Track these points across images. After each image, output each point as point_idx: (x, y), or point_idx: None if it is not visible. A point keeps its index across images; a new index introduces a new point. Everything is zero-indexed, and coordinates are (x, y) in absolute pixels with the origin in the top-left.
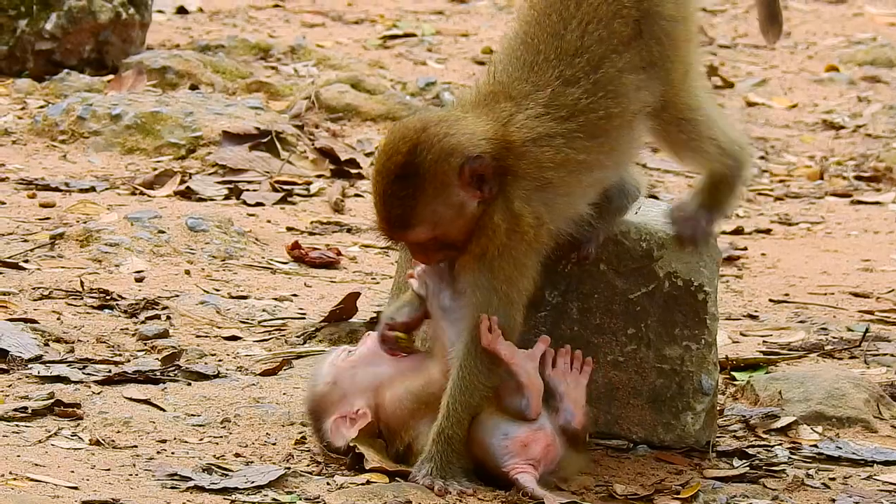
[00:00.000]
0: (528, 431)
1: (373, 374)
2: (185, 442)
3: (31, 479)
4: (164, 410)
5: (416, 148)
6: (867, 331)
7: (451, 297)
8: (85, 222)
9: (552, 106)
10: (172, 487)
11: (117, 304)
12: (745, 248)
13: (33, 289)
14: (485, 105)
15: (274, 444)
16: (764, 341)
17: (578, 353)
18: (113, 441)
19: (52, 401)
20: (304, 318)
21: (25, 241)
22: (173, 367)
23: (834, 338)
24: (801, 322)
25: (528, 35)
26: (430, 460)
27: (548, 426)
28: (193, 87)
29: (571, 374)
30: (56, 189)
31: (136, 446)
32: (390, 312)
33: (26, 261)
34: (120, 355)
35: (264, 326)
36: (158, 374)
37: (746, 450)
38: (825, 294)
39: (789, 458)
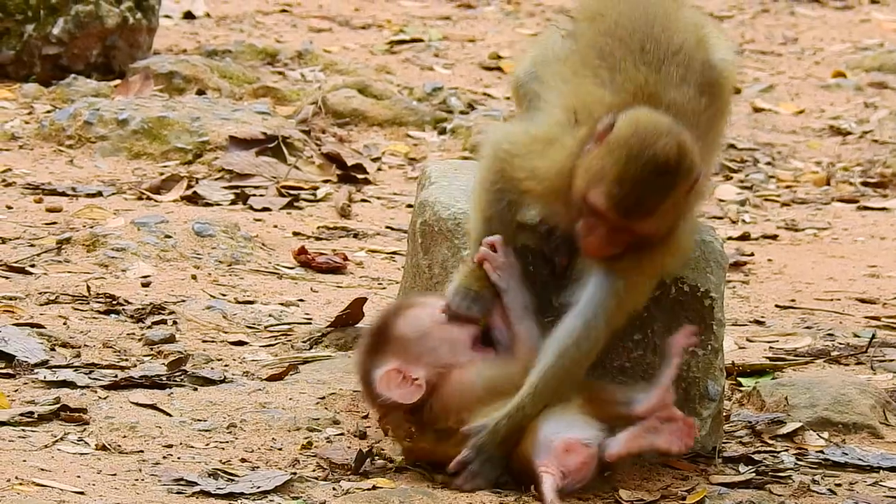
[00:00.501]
0: (577, 441)
1: (451, 351)
2: (191, 447)
3: (37, 484)
4: (170, 415)
5: (681, 149)
6: (873, 337)
7: (531, 299)
8: (91, 227)
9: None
10: (178, 492)
11: (124, 309)
12: (752, 254)
13: (40, 293)
14: None
15: (280, 449)
16: (770, 347)
17: (691, 421)
18: (119, 446)
19: (58, 406)
20: (310, 324)
21: (32, 245)
22: (179, 372)
23: (840, 344)
24: (807, 328)
25: None
26: (494, 433)
27: (595, 446)
28: (200, 92)
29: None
30: (63, 194)
31: (142, 451)
32: (459, 302)
33: (33, 265)
34: (126, 360)
35: (270, 331)
36: (164, 378)
37: (752, 456)
38: (831, 300)
39: (795, 464)
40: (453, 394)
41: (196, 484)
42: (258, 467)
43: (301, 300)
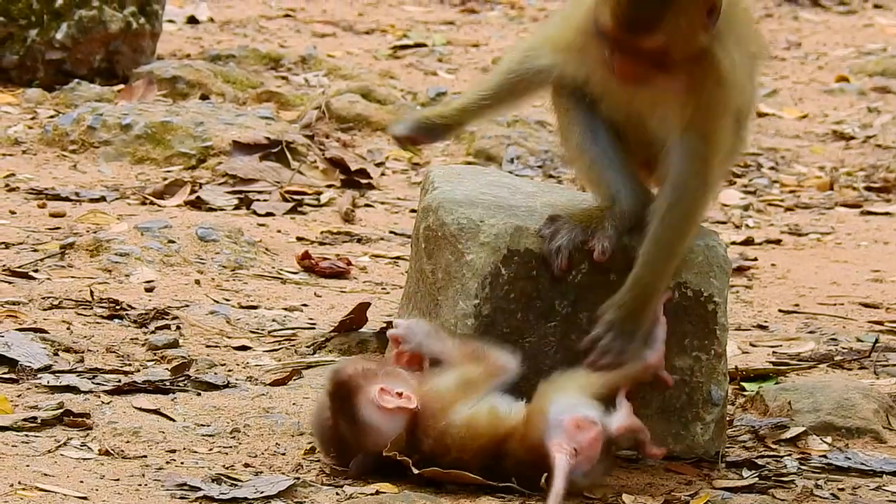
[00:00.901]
0: (585, 419)
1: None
2: (195, 452)
3: (40, 490)
4: (173, 420)
5: None
6: (877, 341)
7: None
8: (95, 232)
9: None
10: (182, 497)
11: (127, 314)
12: (756, 259)
13: (43, 298)
14: None
15: (283, 454)
16: (773, 352)
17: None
18: (122, 451)
19: (61, 411)
20: (313, 329)
21: (35, 250)
22: (183, 377)
23: (843, 348)
24: (810, 333)
25: None
26: (621, 307)
27: (600, 425)
28: (204, 97)
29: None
30: (66, 199)
31: (145, 456)
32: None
33: (36, 270)
34: (129, 365)
35: (274, 336)
36: (168, 383)
37: (756, 460)
38: (835, 305)
39: (798, 468)
40: (434, 400)
41: (199, 489)
42: (261, 472)
43: (305, 305)
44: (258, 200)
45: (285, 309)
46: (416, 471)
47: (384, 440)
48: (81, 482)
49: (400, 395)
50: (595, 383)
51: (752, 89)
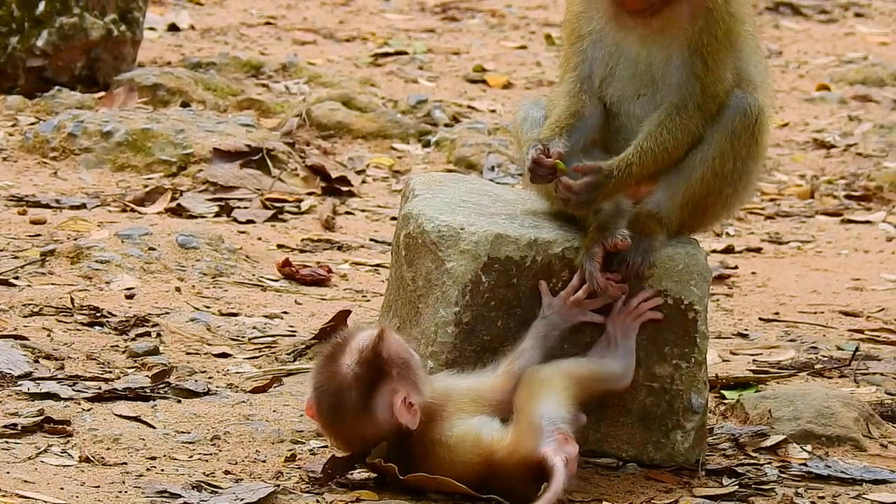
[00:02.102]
0: (570, 435)
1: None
2: (175, 459)
3: (21, 496)
4: (153, 427)
5: None
6: (857, 350)
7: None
8: (75, 239)
9: None
10: None
11: (107, 321)
12: (736, 267)
13: (23, 305)
14: None
15: (264, 461)
16: (754, 360)
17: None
18: (103, 458)
19: (41, 417)
20: (294, 336)
21: (16, 257)
22: (163, 385)
23: (824, 356)
24: (790, 341)
25: None
26: (609, 176)
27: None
28: (184, 105)
29: None
30: (47, 206)
31: (125, 463)
32: (543, 139)
33: (17, 277)
34: (110, 372)
35: (254, 344)
36: (148, 391)
37: (736, 468)
38: (815, 313)
39: (778, 476)
40: (437, 405)
41: (179, 496)
42: (242, 479)
43: (285, 312)
44: (239, 208)
45: (266, 316)
46: (401, 477)
47: (376, 431)
48: (62, 489)
49: (411, 406)
50: (572, 386)
51: (752, 25)
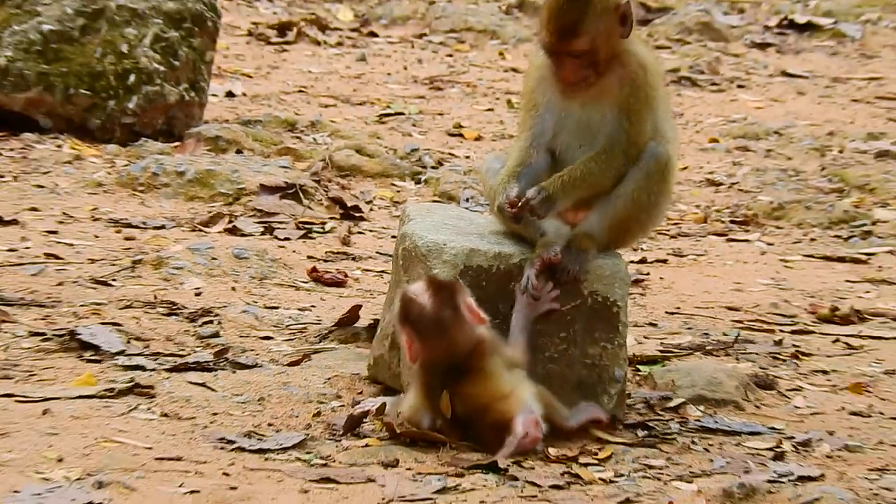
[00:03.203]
0: (539, 424)
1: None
2: (231, 415)
3: (117, 442)
4: (215, 391)
5: None
6: (738, 335)
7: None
8: (157, 251)
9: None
10: (221, 448)
11: (181, 312)
12: (648, 274)
13: (119, 300)
14: None
15: (297, 416)
16: (661, 343)
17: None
18: (177, 414)
19: (132, 384)
20: (319, 323)
21: (113, 265)
22: (222, 360)
23: (713, 340)
24: (688, 328)
25: None
26: (546, 188)
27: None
28: (238, 152)
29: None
30: (136, 226)
31: (194, 418)
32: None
33: (114, 280)
34: (183, 350)
35: (290, 329)
36: (211, 364)
37: (647, 423)
38: (707, 308)
39: (679, 429)
40: (490, 341)
41: (234, 442)
42: (281, 430)
43: (313, 306)
44: (279, 229)
45: (298, 309)
46: (397, 431)
47: (464, 337)
48: (147, 436)
49: (477, 312)
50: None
51: (664, 93)
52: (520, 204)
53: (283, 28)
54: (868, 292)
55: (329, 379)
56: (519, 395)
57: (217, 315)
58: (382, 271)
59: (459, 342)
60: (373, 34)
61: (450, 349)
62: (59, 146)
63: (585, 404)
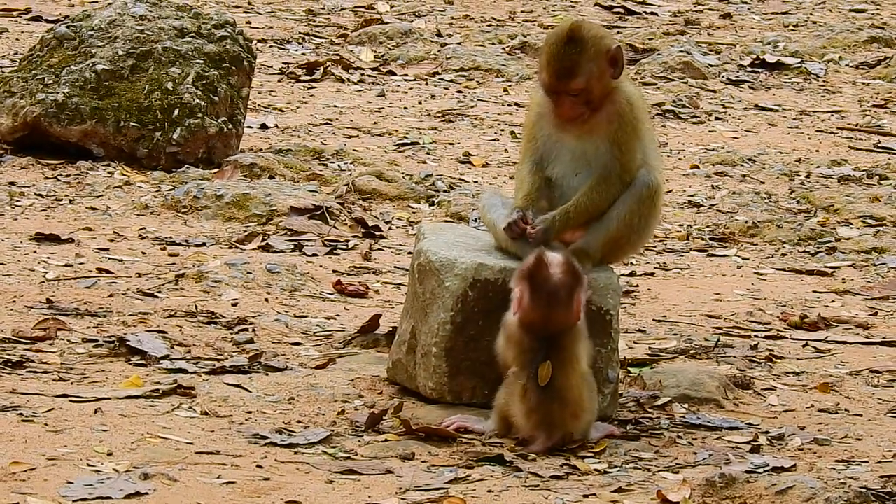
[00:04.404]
0: None
1: None
2: (264, 413)
3: (161, 437)
4: (250, 392)
5: (582, 27)
6: (718, 341)
7: None
8: (198, 266)
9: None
10: (255, 443)
11: (219, 321)
12: (637, 285)
13: (163, 310)
14: None
15: (323, 414)
16: (650, 347)
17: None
18: (216, 412)
19: (175, 385)
20: (343, 331)
21: (158, 278)
22: (256, 363)
23: (696, 345)
24: (674, 335)
25: None
26: (555, 220)
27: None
28: (271, 177)
29: None
30: (179, 244)
31: (231, 416)
32: (523, 208)
33: (159, 292)
34: (221, 355)
35: (317, 336)
36: (246, 367)
37: (638, 419)
38: (690, 316)
39: (666, 425)
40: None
41: (267, 437)
42: (308, 427)
43: (338, 315)
44: (307, 246)
45: (325, 318)
46: (414, 427)
47: (563, 319)
48: (189, 433)
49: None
50: None
51: (650, 125)
52: (528, 230)
53: (311, 67)
54: (833, 302)
55: (352, 380)
56: (591, 384)
57: (252, 323)
58: (400, 284)
59: (558, 320)
60: (391, 73)
61: (547, 321)
62: (110, 173)
63: (601, 424)
